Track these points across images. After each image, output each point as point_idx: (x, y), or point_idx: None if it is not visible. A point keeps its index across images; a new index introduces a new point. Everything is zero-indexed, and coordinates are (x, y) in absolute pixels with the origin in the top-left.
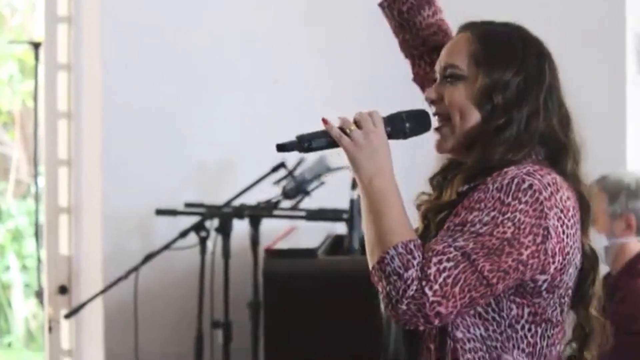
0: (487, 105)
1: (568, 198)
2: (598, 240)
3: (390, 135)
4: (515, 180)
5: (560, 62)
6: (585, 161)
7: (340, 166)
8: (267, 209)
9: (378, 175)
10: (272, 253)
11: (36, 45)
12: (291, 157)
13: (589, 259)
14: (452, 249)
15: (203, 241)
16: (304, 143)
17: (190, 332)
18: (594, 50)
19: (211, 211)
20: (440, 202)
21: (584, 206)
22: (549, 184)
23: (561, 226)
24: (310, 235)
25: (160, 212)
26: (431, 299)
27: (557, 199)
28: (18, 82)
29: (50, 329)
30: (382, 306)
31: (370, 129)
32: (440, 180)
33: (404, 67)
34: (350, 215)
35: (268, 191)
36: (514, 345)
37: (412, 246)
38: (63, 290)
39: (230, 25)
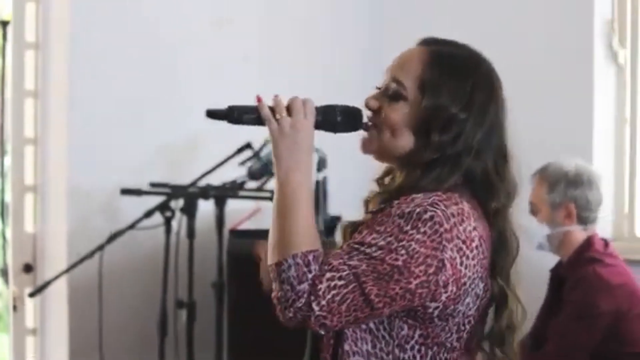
0: (423, 135)
1: (474, 228)
2: (541, 229)
3: (320, 126)
4: (417, 210)
5: (528, 49)
6: (552, 154)
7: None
8: (232, 189)
9: (295, 169)
10: (236, 233)
11: (4, 24)
12: (257, 138)
13: (496, 299)
14: (345, 267)
15: (168, 221)
16: (234, 114)
17: (154, 311)
18: (562, 37)
19: (176, 191)
20: (356, 221)
21: (499, 247)
22: (452, 215)
23: (460, 257)
24: None
25: (125, 191)
26: (317, 313)
27: (460, 230)
28: None
29: (15, 307)
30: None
31: (299, 119)
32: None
33: (379, 47)
34: (315, 197)
35: (233, 172)
36: None
37: (310, 258)
38: (28, 268)
39: (198, 4)
